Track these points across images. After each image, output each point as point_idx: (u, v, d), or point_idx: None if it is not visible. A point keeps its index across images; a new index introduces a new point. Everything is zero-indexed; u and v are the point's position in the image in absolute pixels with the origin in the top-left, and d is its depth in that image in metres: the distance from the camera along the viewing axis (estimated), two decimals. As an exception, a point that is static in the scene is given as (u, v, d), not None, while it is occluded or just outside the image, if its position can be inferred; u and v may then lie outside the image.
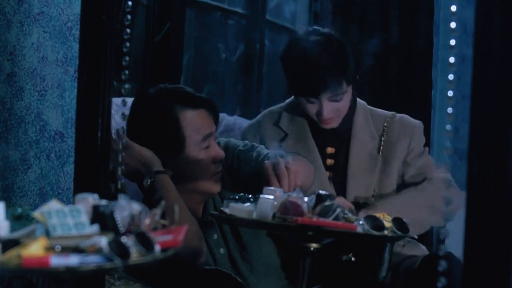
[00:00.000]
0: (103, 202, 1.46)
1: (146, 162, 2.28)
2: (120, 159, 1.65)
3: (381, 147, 2.72)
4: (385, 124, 2.76)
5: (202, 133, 2.36)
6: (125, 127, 2.25)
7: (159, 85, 2.43)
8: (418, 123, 2.83)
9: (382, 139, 2.74)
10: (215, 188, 2.40)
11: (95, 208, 1.43)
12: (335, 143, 2.71)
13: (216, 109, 2.44)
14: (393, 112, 2.82)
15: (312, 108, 2.65)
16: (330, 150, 2.72)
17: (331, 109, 2.63)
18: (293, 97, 2.80)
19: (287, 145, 2.64)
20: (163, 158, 2.31)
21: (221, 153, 2.39)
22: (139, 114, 2.35)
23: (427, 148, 2.83)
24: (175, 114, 2.34)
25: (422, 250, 2.72)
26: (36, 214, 1.40)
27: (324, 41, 2.60)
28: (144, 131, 2.33)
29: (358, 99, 2.78)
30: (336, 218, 1.80)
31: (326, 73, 2.55)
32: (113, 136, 1.89)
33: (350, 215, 1.88)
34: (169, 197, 2.22)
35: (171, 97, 2.37)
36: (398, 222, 1.86)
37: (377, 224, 1.82)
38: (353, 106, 2.73)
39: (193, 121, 2.35)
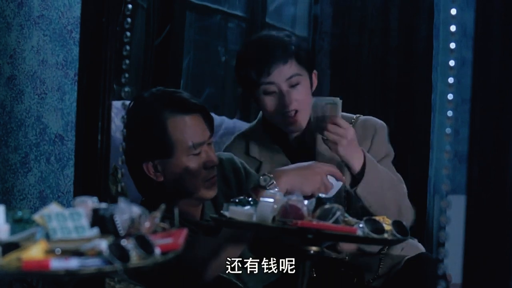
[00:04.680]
0: (103, 205, 1.46)
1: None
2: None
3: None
4: None
5: (193, 139, 2.32)
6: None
7: (152, 89, 2.41)
8: (380, 124, 2.72)
9: None
10: (209, 193, 2.36)
11: (95, 211, 1.43)
12: (303, 159, 2.52)
13: (210, 116, 2.41)
14: (358, 115, 2.74)
15: (272, 102, 2.59)
16: None
17: (293, 98, 2.57)
18: (255, 121, 2.74)
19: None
20: (153, 163, 2.31)
21: (213, 158, 2.35)
22: (131, 118, 2.33)
23: (390, 156, 2.71)
24: (163, 119, 2.31)
25: (421, 251, 2.70)
26: (36, 217, 1.40)
27: (271, 31, 2.72)
28: (135, 134, 2.30)
29: None
30: (336, 221, 1.80)
31: (273, 48, 2.58)
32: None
33: (349, 217, 1.88)
34: None
35: (162, 101, 2.34)
36: (398, 225, 1.86)
37: (377, 227, 1.82)
38: None
39: (182, 126, 2.32)
